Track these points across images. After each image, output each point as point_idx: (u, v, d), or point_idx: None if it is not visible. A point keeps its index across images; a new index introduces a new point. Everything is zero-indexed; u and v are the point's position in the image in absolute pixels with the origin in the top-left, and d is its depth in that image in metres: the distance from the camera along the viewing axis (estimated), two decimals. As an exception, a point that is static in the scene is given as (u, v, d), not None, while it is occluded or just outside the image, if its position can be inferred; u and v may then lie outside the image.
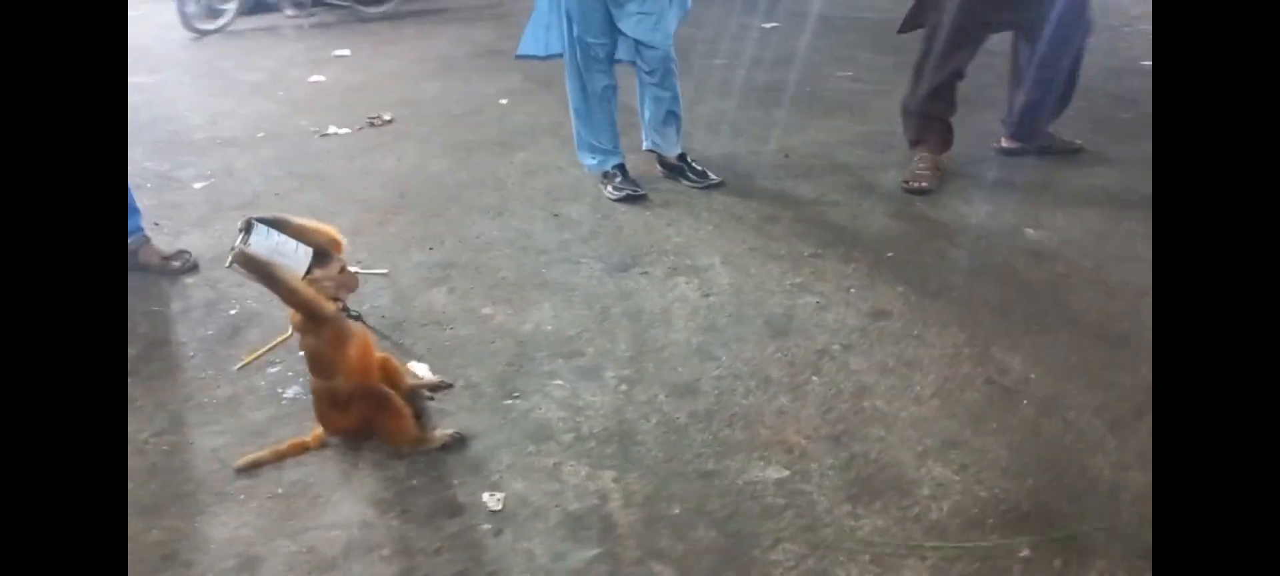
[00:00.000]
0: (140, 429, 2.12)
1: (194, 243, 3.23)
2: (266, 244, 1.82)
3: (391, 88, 5.46)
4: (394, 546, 1.75)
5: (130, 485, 1.92)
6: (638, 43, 3.37)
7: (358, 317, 1.97)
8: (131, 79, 5.98)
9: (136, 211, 2.98)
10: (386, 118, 4.86)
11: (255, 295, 2.70)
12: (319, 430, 2.04)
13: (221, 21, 7.36)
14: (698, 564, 1.70)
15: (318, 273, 1.87)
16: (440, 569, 1.69)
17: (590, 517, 1.81)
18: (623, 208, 3.43)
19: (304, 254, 1.85)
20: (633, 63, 3.51)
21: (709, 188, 3.58)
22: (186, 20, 7.14)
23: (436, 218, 3.40)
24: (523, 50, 3.58)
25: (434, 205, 3.54)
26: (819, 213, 3.31)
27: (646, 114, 3.62)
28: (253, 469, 1.98)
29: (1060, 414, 2.08)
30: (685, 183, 3.63)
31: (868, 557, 1.70)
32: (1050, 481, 1.88)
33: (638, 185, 3.52)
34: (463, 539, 1.76)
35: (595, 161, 3.60)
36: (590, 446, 2.03)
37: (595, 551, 1.72)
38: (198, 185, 3.93)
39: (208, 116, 5.00)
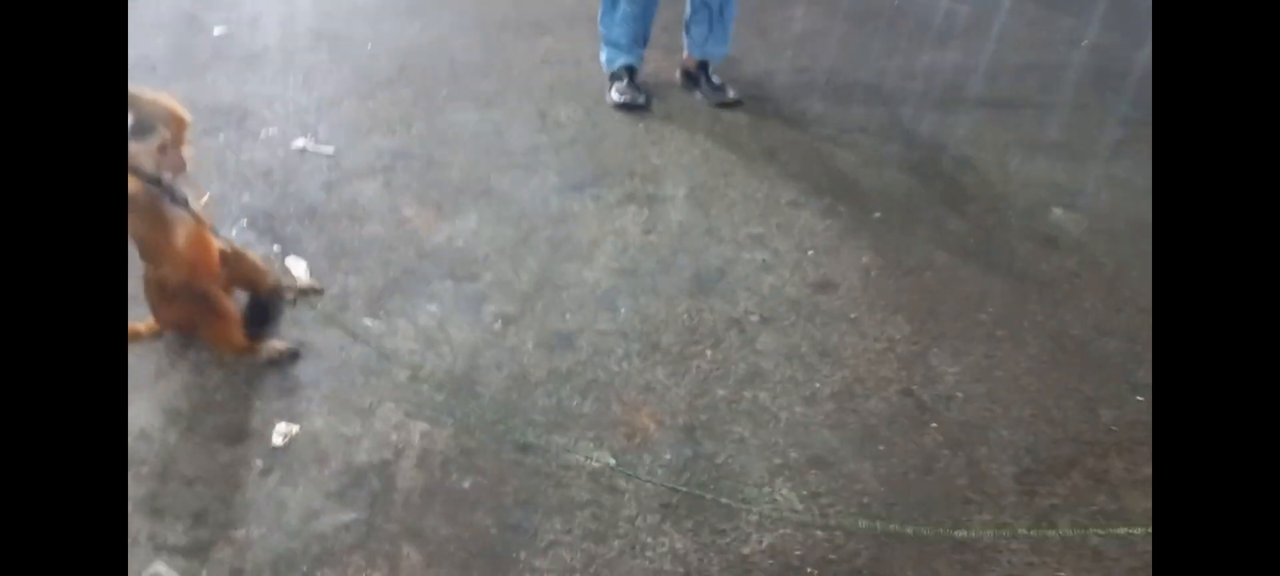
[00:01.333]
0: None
1: (177, 87, 3.16)
2: None
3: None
4: (155, 466, 1.63)
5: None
6: None
7: (182, 202, 1.80)
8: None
9: None
10: (434, -19, 4.62)
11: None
12: (152, 319, 1.92)
13: None
14: (450, 554, 1.49)
15: (136, 146, 1.70)
16: (183, 501, 1.56)
17: (371, 475, 1.63)
18: (616, 116, 3.12)
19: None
20: None
21: (724, 105, 3.19)
22: None
23: (422, 99, 3.20)
24: None
25: (427, 84, 3.33)
26: (828, 153, 2.89)
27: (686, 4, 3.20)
28: (79, 350, 1.89)
29: (970, 449, 1.71)
30: (699, 95, 3.25)
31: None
32: (910, 535, 1.54)
33: (642, 93, 3.17)
34: (226, 472, 1.62)
35: (605, 57, 3.26)
36: (422, 390, 1.84)
37: (352, 516, 1.55)
38: (217, 31, 3.87)
39: (269, -37, 4.91)
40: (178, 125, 1.83)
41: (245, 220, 2.43)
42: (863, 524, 1.56)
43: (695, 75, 3.28)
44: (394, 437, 1.71)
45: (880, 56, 3.68)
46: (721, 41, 3.20)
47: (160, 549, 1.48)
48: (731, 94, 3.23)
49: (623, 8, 3.13)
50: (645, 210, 2.53)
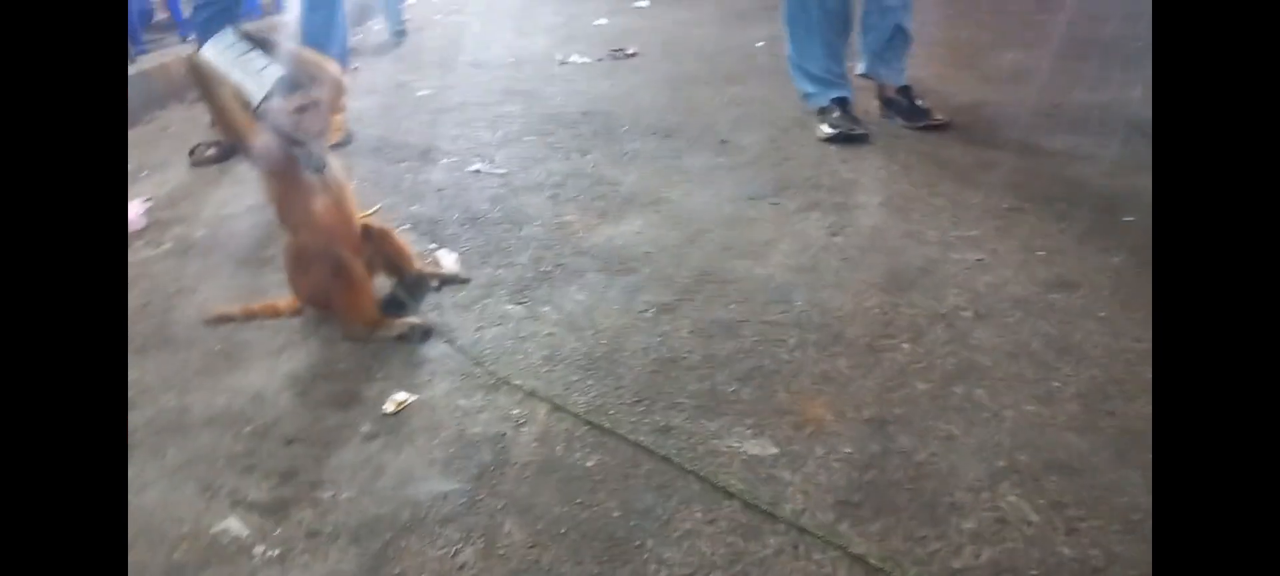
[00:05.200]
0: (183, 270, 2.08)
1: (374, 132, 3.27)
2: (229, 55, 1.60)
3: (660, 30, 5.26)
4: (258, 425, 1.46)
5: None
6: None
7: (321, 165, 1.69)
8: (456, 19, 6.49)
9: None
10: (630, 51, 4.65)
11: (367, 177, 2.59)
12: (294, 297, 1.81)
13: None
14: (561, 535, 1.18)
15: (277, 102, 1.62)
16: (276, 460, 1.37)
17: (483, 447, 1.37)
18: (804, 139, 2.83)
19: (269, 77, 1.61)
20: None
21: (928, 128, 2.81)
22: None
23: (601, 135, 3.08)
24: None
25: (608, 124, 3.22)
26: (1059, 166, 2.44)
27: (867, 30, 2.89)
28: (221, 322, 1.82)
29: None
30: (899, 121, 2.89)
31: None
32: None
33: (860, 123, 2.79)
34: (328, 435, 1.42)
35: (812, 91, 2.93)
36: (556, 370, 1.58)
37: (453, 487, 1.28)
38: (421, 93, 4.02)
39: (486, 46, 5.19)
40: (333, 88, 1.74)
41: (409, 225, 2.33)
42: (1130, 544, 1.08)
43: (897, 100, 2.93)
44: (516, 412, 1.45)
45: (1118, 88, 3.16)
46: (907, 53, 2.86)
47: (238, 504, 1.28)
48: (939, 116, 2.84)
49: (817, 34, 2.83)
50: (831, 215, 2.20)
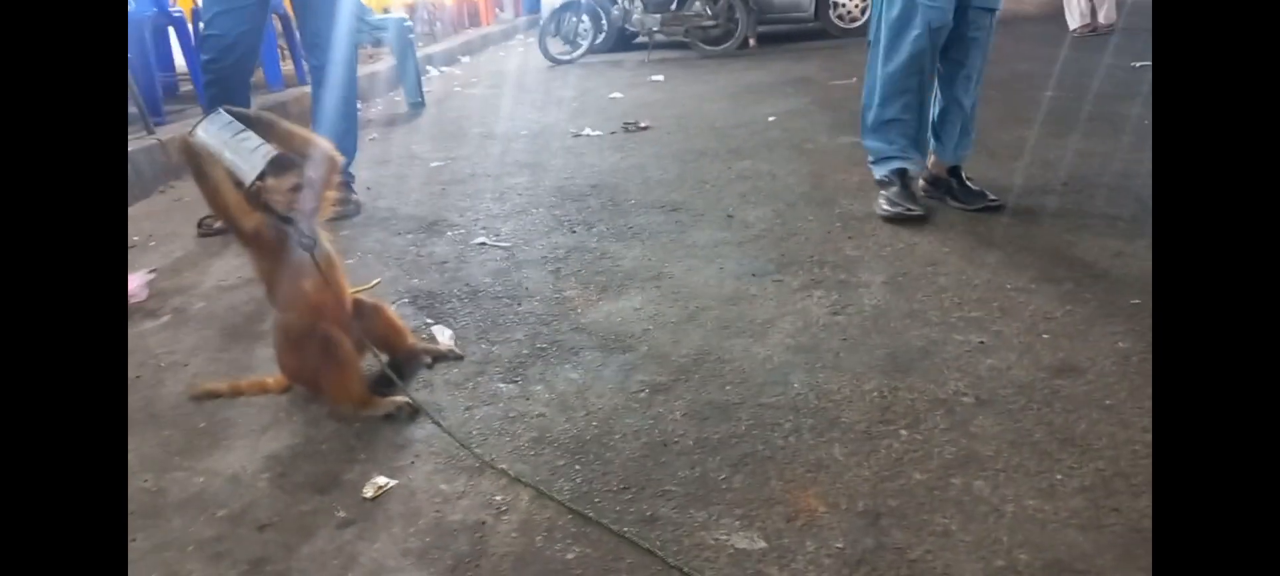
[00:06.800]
0: (178, 342, 2.07)
1: (384, 203, 3.29)
2: (222, 136, 1.61)
3: (674, 104, 5.31)
4: (232, 509, 1.43)
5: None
6: (971, 4, 2.59)
7: (312, 243, 1.69)
8: (475, 92, 6.62)
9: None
10: (643, 125, 4.70)
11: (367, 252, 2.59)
12: (282, 374, 1.79)
13: (574, 55, 8.07)
14: (533, 632, 1.12)
15: (270, 182, 1.62)
16: (247, 547, 1.33)
17: (460, 537, 1.32)
18: (805, 214, 2.81)
19: (261, 157, 1.61)
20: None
21: (984, 210, 2.73)
22: (545, 53, 7.97)
23: (607, 209, 3.08)
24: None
25: (615, 197, 3.22)
26: (1065, 245, 2.39)
27: (933, 105, 2.80)
28: (207, 398, 1.79)
29: None
30: (952, 203, 2.81)
31: None
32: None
33: (918, 203, 2.72)
34: (303, 521, 1.38)
35: (873, 161, 2.84)
36: (543, 453, 1.53)
37: (426, 578, 1.23)
38: (433, 164, 4.07)
39: (501, 119, 5.27)
40: (325, 167, 1.74)
41: (408, 298, 2.32)
42: (1136, 654, 1.02)
43: (947, 182, 2.86)
44: (498, 499, 1.40)
45: (1135, 162, 3.13)
46: (970, 142, 2.80)
47: (205, 591, 1.24)
48: (992, 198, 2.77)
49: (894, 102, 2.72)
50: (833, 294, 2.16)
